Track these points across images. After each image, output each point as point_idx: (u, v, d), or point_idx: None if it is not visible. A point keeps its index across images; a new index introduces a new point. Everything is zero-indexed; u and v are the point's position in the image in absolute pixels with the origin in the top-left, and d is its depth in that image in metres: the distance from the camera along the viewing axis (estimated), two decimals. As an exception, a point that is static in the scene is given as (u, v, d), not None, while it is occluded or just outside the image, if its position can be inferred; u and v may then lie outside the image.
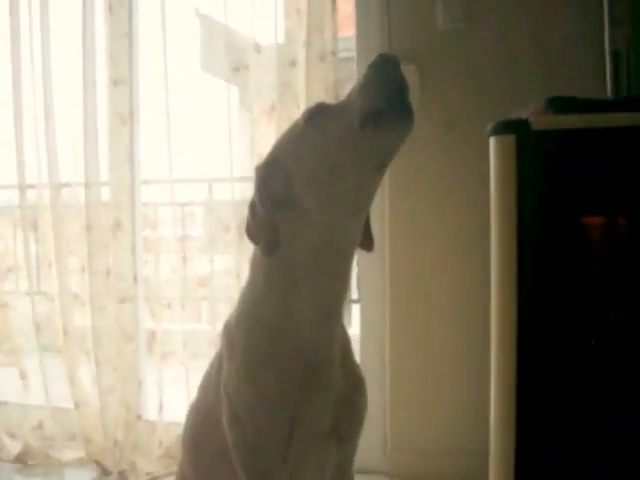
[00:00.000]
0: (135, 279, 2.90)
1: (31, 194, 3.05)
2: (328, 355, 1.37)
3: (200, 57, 3.89)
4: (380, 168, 1.26)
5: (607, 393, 1.74)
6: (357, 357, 2.60)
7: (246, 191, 2.67)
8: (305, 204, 1.28)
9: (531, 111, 1.90)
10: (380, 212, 2.56)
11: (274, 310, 1.35)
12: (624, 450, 1.73)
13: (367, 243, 1.43)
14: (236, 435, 1.36)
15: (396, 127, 1.20)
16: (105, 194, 2.91)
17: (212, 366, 1.53)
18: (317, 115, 1.28)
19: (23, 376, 3.15)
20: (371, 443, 2.66)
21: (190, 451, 1.57)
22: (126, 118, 2.85)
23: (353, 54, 2.71)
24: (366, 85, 1.20)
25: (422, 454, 2.65)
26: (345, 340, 1.45)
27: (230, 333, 1.44)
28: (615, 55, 2.23)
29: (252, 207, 1.34)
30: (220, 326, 2.59)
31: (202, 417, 1.53)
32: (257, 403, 1.34)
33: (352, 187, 1.25)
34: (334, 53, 2.57)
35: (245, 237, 1.38)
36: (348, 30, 2.78)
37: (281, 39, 2.66)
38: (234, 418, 1.36)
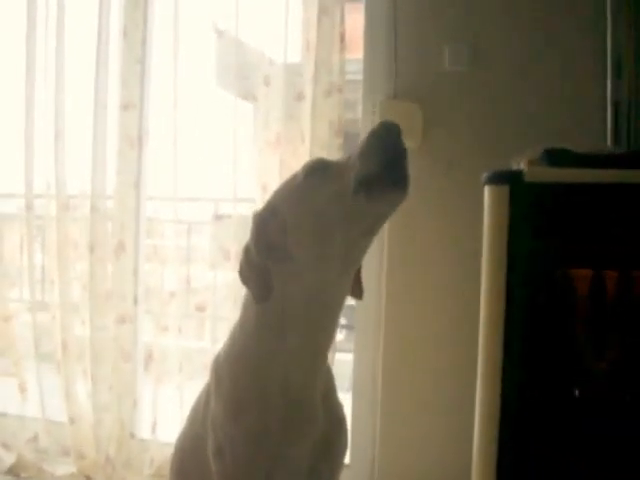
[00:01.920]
0: (135, 300, 2.94)
1: (39, 204, 3.10)
2: (310, 396, 1.41)
3: (215, 72, 3.95)
4: (371, 232, 1.29)
5: (588, 438, 1.77)
6: (350, 389, 2.67)
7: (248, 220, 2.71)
8: (297, 255, 1.31)
9: (528, 160, 1.94)
10: (378, 249, 2.60)
11: (262, 350, 1.39)
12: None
13: (357, 292, 1.46)
14: (219, 467, 1.40)
15: (389, 196, 1.23)
16: (110, 215, 2.96)
17: (200, 397, 1.57)
18: (317, 171, 1.31)
19: (22, 388, 3.19)
20: (359, 474, 2.69)
21: (177, 477, 1.61)
22: (135, 142, 2.90)
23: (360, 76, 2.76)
24: (365, 151, 1.23)
25: (409, 482, 2.69)
26: (328, 380, 1.49)
27: (219, 368, 1.47)
28: (616, 106, 2.27)
29: (246, 251, 1.38)
30: (218, 346, 2.65)
31: (189, 447, 1.57)
32: (239, 439, 1.37)
33: (343, 247, 1.28)
34: (340, 90, 2.62)
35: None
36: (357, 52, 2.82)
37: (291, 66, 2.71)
38: (218, 451, 1.40)
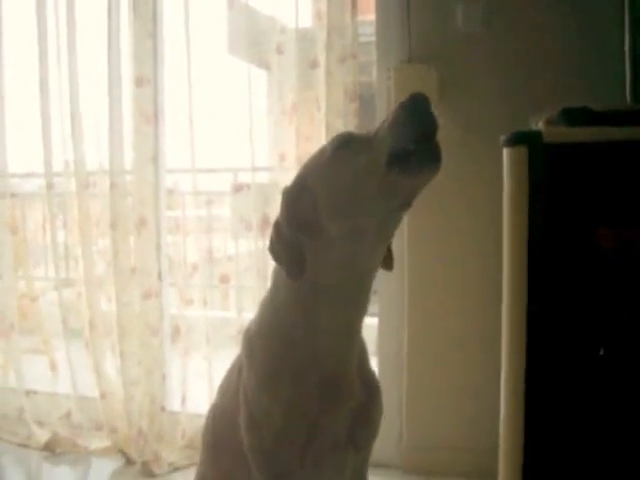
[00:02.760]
0: (159, 275, 2.96)
1: (58, 183, 3.12)
2: (346, 367, 1.41)
3: (228, 43, 3.93)
4: (404, 205, 1.27)
5: (613, 397, 1.77)
6: (375, 354, 2.68)
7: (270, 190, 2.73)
8: (329, 230, 1.30)
9: (545, 120, 1.92)
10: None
11: (294, 322, 1.38)
12: (629, 449, 1.77)
13: (388, 263, 1.46)
14: (253, 440, 1.40)
15: (422, 171, 1.21)
16: (130, 190, 2.98)
17: (232, 369, 1.57)
18: (345, 145, 1.29)
19: (53, 366, 3.24)
20: (387, 438, 2.70)
21: (209, 452, 1.62)
22: (150, 117, 2.89)
23: (373, 38, 2.74)
24: (395, 125, 1.20)
25: (436, 450, 2.72)
26: (362, 351, 1.49)
27: (250, 340, 1.47)
28: (635, 60, 2.24)
29: (277, 227, 1.36)
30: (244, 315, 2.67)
31: (221, 420, 1.57)
32: (275, 411, 1.37)
33: (376, 220, 1.27)
34: (354, 55, 2.61)
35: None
36: (370, 14, 2.79)
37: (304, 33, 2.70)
38: (252, 424, 1.40)
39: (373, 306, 3.30)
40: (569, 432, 1.80)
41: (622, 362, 1.75)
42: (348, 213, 1.27)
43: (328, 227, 1.30)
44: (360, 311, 1.40)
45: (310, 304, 1.36)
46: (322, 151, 1.36)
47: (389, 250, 1.44)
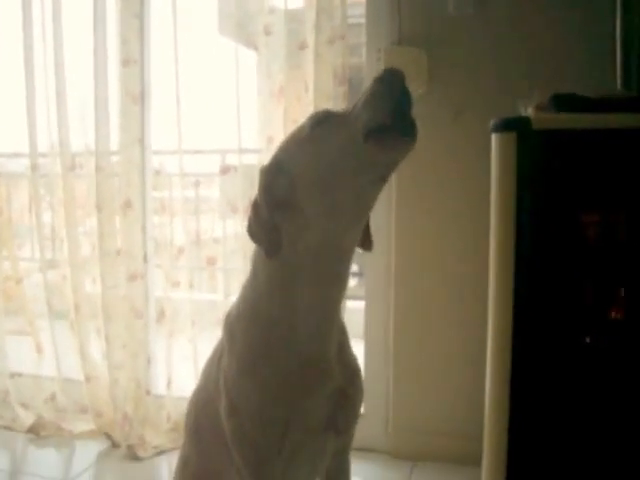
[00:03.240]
0: (145, 257, 2.94)
1: (44, 163, 3.09)
2: (325, 350, 1.40)
3: (217, 22, 3.89)
4: (381, 180, 1.27)
5: (599, 384, 1.77)
6: (362, 338, 2.68)
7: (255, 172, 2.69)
8: (306, 208, 1.29)
9: (535, 105, 1.90)
10: (387, 196, 2.59)
11: (273, 306, 1.38)
12: (614, 435, 1.77)
13: (366, 243, 1.45)
14: (234, 425, 1.40)
15: (398, 144, 1.21)
16: (116, 172, 2.94)
17: (214, 354, 1.56)
18: (323, 122, 1.29)
19: (38, 348, 3.23)
20: (373, 423, 2.72)
21: (192, 436, 1.62)
22: (137, 97, 2.86)
23: (362, 20, 2.72)
24: (371, 99, 1.21)
25: (422, 434, 2.72)
26: (342, 334, 1.48)
27: (231, 325, 1.47)
28: (626, 46, 2.22)
29: (255, 207, 1.36)
30: (231, 299, 2.65)
31: (203, 405, 1.57)
32: (254, 396, 1.37)
33: (353, 196, 1.27)
34: (343, 37, 2.58)
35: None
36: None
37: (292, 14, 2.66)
38: (232, 410, 1.40)
39: (359, 289, 3.30)
40: (554, 418, 1.81)
41: (608, 350, 1.75)
42: (325, 189, 1.27)
43: (305, 205, 1.30)
44: (338, 290, 1.39)
45: (289, 284, 1.35)
46: (300, 129, 1.35)
47: (368, 230, 1.44)
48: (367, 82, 2.54)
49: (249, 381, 1.38)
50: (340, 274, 1.38)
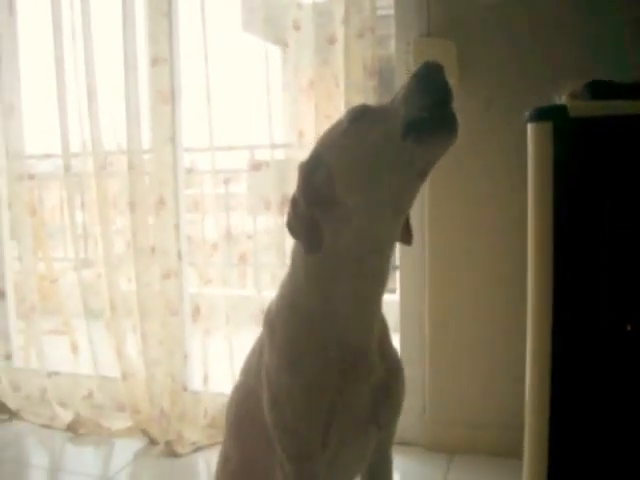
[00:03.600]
0: (179, 255, 2.96)
1: (76, 163, 3.11)
2: (366, 344, 1.40)
3: (244, 19, 3.88)
4: (421, 175, 1.26)
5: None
6: (397, 331, 2.67)
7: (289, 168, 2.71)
8: (346, 203, 1.29)
9: (569, 93, 1.89)
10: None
11: (314, 301, 1.38)
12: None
13: (406, 237, 1.45)
14: (276, 419, 1.41)
15: (438, 139, 1.19)
16: (148, 170, 2.96)
17: (254, 350, 1.57)
18: (361, 117, 1.28)
19: (74, 347, 3.25)
20: (410, 415, 2.70)
21: (233, 430, 1.63)
22: (167, 97, 2.88)
23: (391, 12, 2.70)
24: (410, 94, 1.19)
25: (460, 426, 2.71)
26: (383, 328, 1.48)
27: (271, 321, 1.47)
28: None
29: (294, 203, 1.36)
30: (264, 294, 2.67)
31: (244, 400, 1.58)
32: (296, 389, 1.37)
33: (393, 192, 1.26)
34: (373, 30, 2.57)
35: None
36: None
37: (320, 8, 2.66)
38: (275, 403, 1.40)
39: (394, 282, 3.30)
40: (596, 408, 1.79)
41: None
42: (364, 185, 1.26)
43: (345, 200, 1.29)
44: (379, 285, 1.39)
45: (329, 279, 1.35)
46: (338, 124, 1.35)
47: (408, 224, 1.44)
48: (398, 74, 2.56)
49: (289, 375, 1.39)
50: (380, 268, 1.37)
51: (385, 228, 1.32)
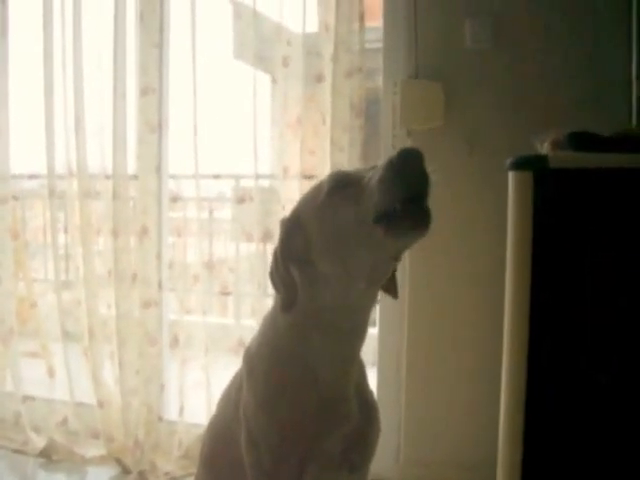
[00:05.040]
0: (160, 285, 2.95)
1: (60, 189, 3.10)
2: (344, 391, 1.41)
3: (233, 51, 3.92)
4: (394, 257, 1.27)
5: (612, 422, 1.77)
6: (375, 365, 2.67)
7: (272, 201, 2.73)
8: (321, 268, 1.31)
9: (551, 141, 1.91)
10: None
11: (292, 346, 1.39)
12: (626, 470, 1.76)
13: (392, 290, 1.46)
14: (252, 458, 1.41)
15: (408, 234, 1.20)
16: (132, 198, 2.97)
17: (232, 384, 1.57)
18: (339, 188, 1.27)
19: (51, 371, 3.23)
20: (385, 453, 2.70)
21: (207, 465, 1.62)
22: (155, 127, 2.90)
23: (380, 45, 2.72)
24: (385, 182, 1.17)
25: (433, 466, 2.70)
26: (360, 373, 1.49)
27: (251, 359, 1.47)
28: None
29: (275, 257, 1.37)
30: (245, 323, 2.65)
31: (220, 433, 1.58)
32: (272, 430, 1.38)
33: (364, 268, 1.27)
34: (361, 69, 2.60)
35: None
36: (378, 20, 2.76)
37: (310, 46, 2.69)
38: (251, 442, 1.41)
39: (374, 314, 3.30)
40: (568, 451, 1.80)
41: (622, 387, 1.75)
42: (337, 258, 1.28)
43: (320, 266, 1.31)
44: (357, 340, 1.40)
45: (307, 332, 1.37)
46: (318, 189, 1.35)
47: (393, 277, 1.44)
48: (384, 114, 2.58)
49: (266, 416, 1.39)
50: (358, 327, 1.39)
51: (358, 295, 1.33)
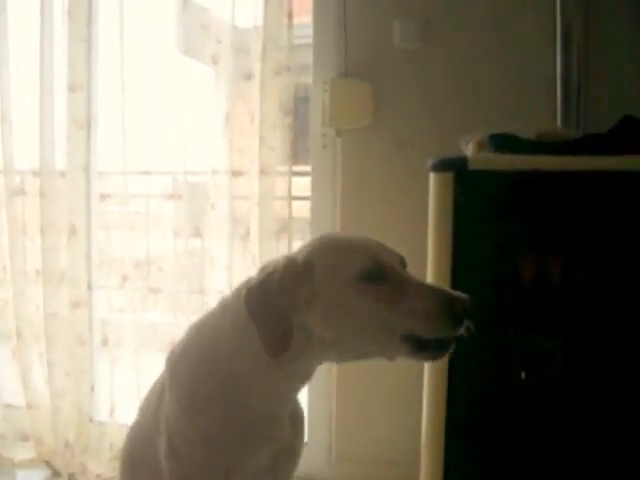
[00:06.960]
0: (89, 285, 2.90)
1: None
2: (280, 414, 1.40)
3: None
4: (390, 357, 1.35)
5: (532, 417, 1.80)
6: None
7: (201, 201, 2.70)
8: (313, 327, 1.29)
9: (476, 141, 1.93)
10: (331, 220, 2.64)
11: (232, 360, 1.34)
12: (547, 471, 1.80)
13: None
14: (173, 467, 1.37)
15: (427, 359, 1.35)
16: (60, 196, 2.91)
17: (154, 388, 1.53)
18: (373, 280, 1.25)
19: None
20: (317, 452, 2.72)
21: (127, 471, 1.59)
22: (83, 124, 2.84)
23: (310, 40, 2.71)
24: (432, 314, 1.20)
25: (364, 463, 2.72)
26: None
27: (176, 364, 1.42)
28: (566, 82, 2.27)
29: (265, 293, 1.28)
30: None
31: (138, 441, 1.55)
32: (196, 441, 1.34)
33: (359, 346, 1.33)
34: (289, 68, 2.59)
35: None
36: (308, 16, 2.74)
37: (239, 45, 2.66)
38: (172, 451, 1.36)
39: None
40: (487, 447, 1.84)
41: (542, 386, 1.78)
42: (342, 331, 1.28)
43: (313, 325, 1.28)
44: (303, 386, 1.42)
45: (258, 364, 1.31)
46: (349, 261, 1.28)
47: None
48: (313, 113, 2.57)
49: (190, 426, 1.35)
50: (313, 371, 1.40)
51: (344, 351, 1.35)
